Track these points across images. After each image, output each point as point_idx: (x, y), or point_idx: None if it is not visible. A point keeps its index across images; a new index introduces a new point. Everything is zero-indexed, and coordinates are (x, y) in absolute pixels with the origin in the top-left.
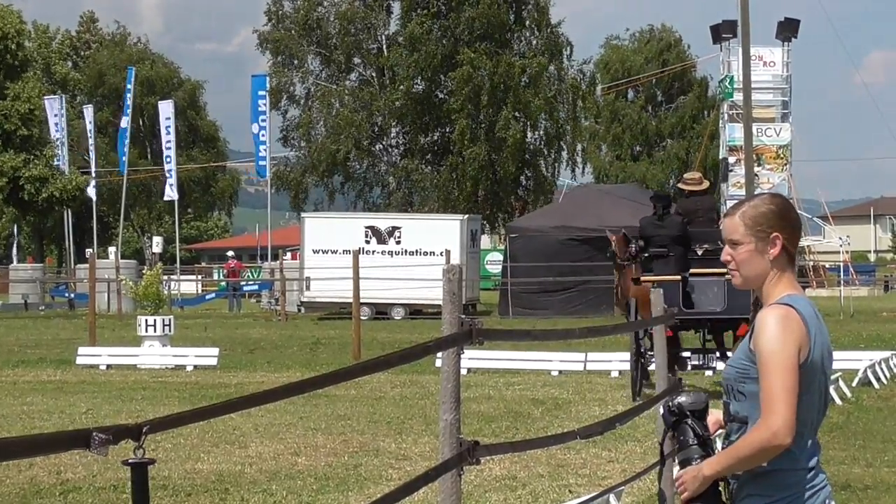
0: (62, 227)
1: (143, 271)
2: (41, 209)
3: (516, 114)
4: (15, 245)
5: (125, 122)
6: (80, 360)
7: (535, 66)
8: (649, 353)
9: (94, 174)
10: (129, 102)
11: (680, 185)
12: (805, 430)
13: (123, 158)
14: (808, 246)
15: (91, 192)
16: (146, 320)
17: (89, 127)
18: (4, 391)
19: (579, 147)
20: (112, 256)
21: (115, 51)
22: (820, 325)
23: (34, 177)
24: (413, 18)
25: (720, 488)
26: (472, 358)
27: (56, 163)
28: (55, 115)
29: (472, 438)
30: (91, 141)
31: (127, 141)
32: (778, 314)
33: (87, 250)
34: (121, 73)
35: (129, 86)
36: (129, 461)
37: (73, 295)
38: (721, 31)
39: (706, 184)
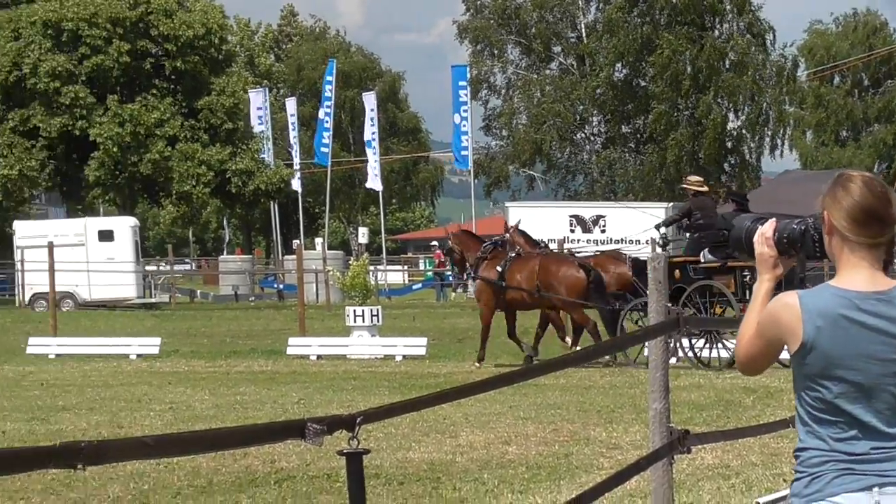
0: (269, 219)
1: (350, 262)
2: (248, 202)
3: (718, 99)
4: (225, 237)
5: (322, 113)
6: (290, 351)
7: (739, 49)
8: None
9: (297, 166)
10: (331, 94)
11: (686, 186)
12: (836, 418)
13: (324, 150)
14: None
15: (296, 184)
16: (354, 311)
17: (292, 119)
18: (218, 381)
19: (784, 132)
20: (319, 247)
21: (314, 44)
22: (844, 325)
23: (240, 170)
24: (611, 3)
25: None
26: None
27: (261, 156)
28: (258, 108)
29: (683, 427)
30: (294, 133)
31: (329, 132)
32: (779, 300)
33: (294, 242)
34: (321, 67)
35: (329, 78)
36: (345, 451)
37: (281, 286)
38: None
39: (707, 188)
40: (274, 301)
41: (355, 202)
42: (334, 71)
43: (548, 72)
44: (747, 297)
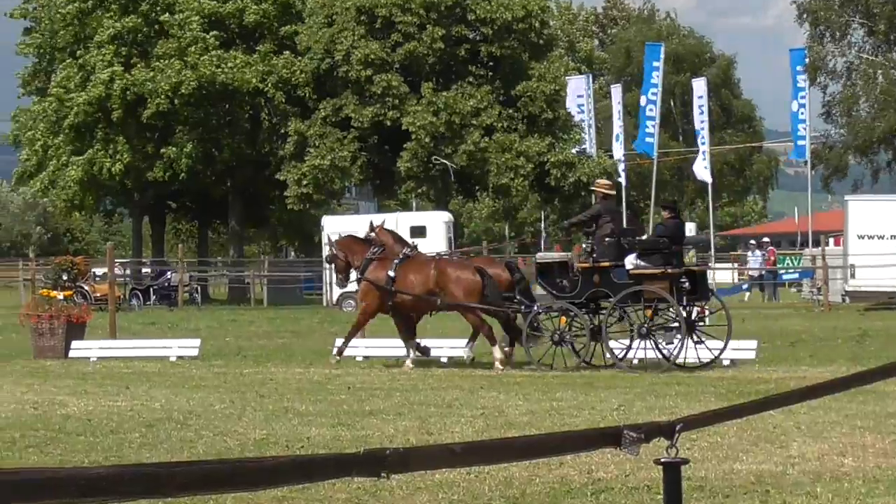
0: None
1: None
2: (567, 195)
3: None
4: (543, 233)
5: (645, 101)
6: (607, 353)
7: None
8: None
9: (622, 157)
10: (658, 81)
11: (595, 189)
12: None
13: (649, 140)
14: None
15: (620, 176)
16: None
17: (617, 108)
18: (533, 386)
19: None
20: None
21: (642, 27)
22: None
23: (560, 161)
24: None
25: None
26: None
27: (582, 146)
28: (579, 96)
29: None
30: (619, 122)
31: (656, 121)
32: None
33: None
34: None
35: (656, 63)
36: (662, 460)
37: None
38: None
39: (614, 192)
40: None
41: (683, 195)
42: (661, 55)
43: (893, 55)
44: (684, 303)
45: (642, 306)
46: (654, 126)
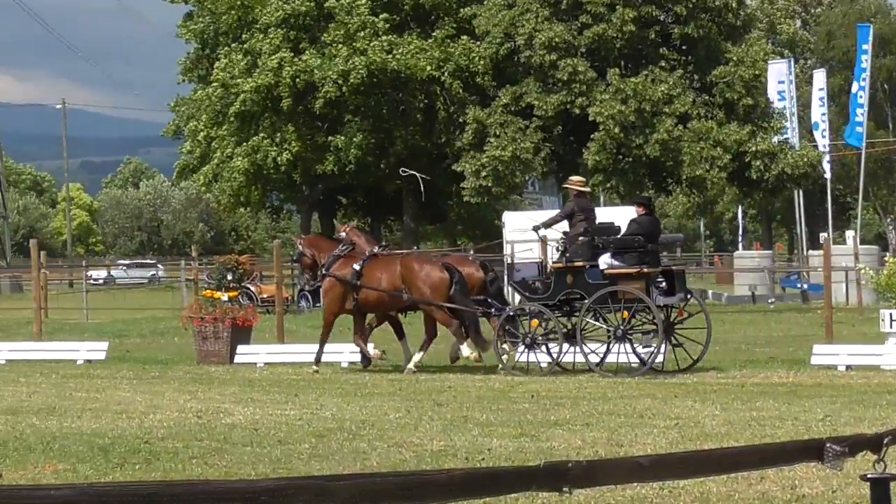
0: (792, 208)
1: (886, 258)
2: (769, 189)
3: None
4: (740, 230)
5: (856, 87)
6: (815, 360)
7: None
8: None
9: (827, 148)
10: (867, 65)
11: (568, 186)
12: None
13: (858, 130)
14: None
15: (825, 168)
16: (890, 314)
17: (820, 94)
18: (731, 394)
19: None
20: (850, 241)
21: (847, 7)
22: None
23: (762, 152)
24: None
25: None
26: None
27: (784, 135)
28: (780, 82)
29: None
30: (823, 110)
31: (865, 109)
32: None
33: (821, 235)
34: (854, 33)
35: (864, 46)
36: (869, 476)
37: (806, 286)
38: None
39: (588, 188)
40: (797, 303)
41: (894, 189)
42: (870, 37)
43: None
44: (660, 304)
45: (619, 307)
46: (863, 114)
